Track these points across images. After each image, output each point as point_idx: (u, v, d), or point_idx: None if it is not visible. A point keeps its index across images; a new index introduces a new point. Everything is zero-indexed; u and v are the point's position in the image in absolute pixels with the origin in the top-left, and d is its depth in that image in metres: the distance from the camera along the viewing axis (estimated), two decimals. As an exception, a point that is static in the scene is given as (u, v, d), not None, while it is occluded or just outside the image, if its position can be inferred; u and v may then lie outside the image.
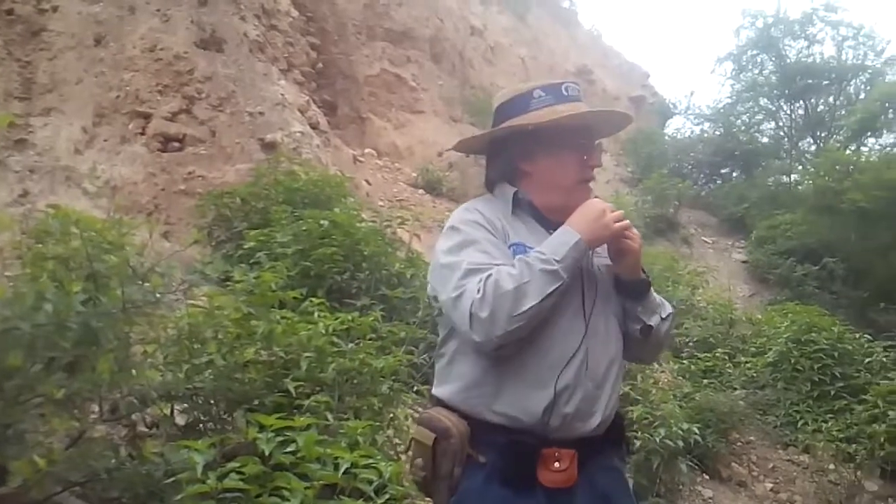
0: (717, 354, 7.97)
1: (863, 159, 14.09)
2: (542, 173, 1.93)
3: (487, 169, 2.05)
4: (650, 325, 1.93)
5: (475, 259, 1.78)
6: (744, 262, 13.56)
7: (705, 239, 14.61)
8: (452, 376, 1.88)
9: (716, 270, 11.78)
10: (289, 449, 2.19)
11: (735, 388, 7.54)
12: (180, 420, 3.07)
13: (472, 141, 2.15)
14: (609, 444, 1.92)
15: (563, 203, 1.90)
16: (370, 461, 2.27)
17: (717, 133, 18.99)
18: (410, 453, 1.92)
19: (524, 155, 1.93)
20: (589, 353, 1.83)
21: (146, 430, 3.17)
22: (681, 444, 5.56)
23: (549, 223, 1.91)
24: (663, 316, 1.97)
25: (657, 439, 5.37)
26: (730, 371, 7.97)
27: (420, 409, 3.93)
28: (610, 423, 1.91)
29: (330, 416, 2.93)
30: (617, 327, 1.94)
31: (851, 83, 19.13)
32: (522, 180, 1.95)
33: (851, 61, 19.11)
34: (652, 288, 1.97)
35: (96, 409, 2.63)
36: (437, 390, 1.92)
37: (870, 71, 18.96)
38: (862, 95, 18.45)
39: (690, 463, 5.84)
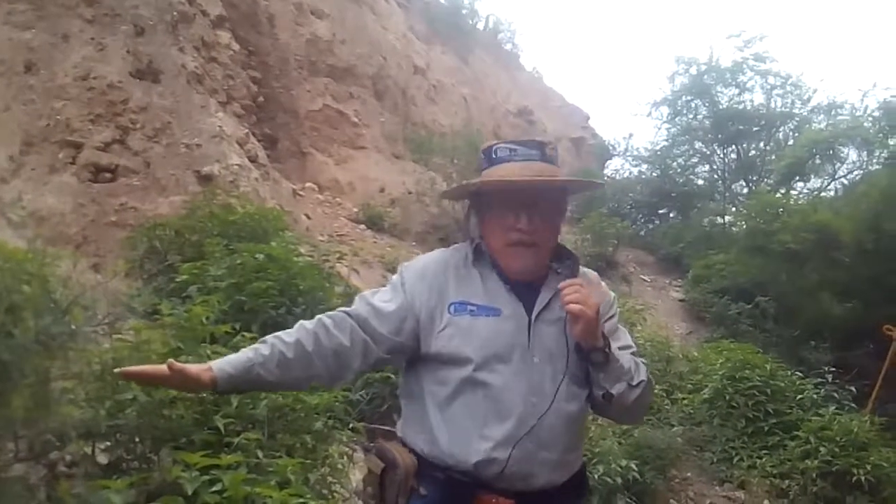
0: (656, 391, 8.01)
1: (791, 202, 14.56)
2: (485, 235, 1.95)
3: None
4: (611, 393, 1.84)
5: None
6: (681, 300, 13.80)
7: (644, 277, 14.84)
8: (403, 413, 1.95)
9: (654, 308, 11.95)
10: (215, 488, 2.10)
11: (672, 425, 7.60)
12: (103, 459, 2.92)
13: (449, 194, 2.18)
14: (564, 495, 1.88)
15: (503, 264, 1.91)
16: (300, 500, 2.19)
17: (655, 175, 19.47)
18: (364, 481, 2.01)
19: (477, 216, 1.98)
20: (534, 413, 1.78)
21: (66, 469, 3.01)
22: (619, 480, 5.56)
23: (507, 278, 1.90)
24: (633, 383, 1.86)
25: (596, 476, 5.36)
26: (667, 408, 8.04)
27: (355, 447, 3.84)
28: (567, 477, 1.87)
29: (260, 454, 2.82)
30: (577, 388, 1.87)
31: (780, 129, 19.83)
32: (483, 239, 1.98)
33: (780, 109, 19.84)
34: (612, 356, 1.83)
35: (12, 447, 2.50)
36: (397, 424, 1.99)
37: (797, 118, 19.70)
38: (790, 141, 19.10)
39: (629, 500, 5.83)
